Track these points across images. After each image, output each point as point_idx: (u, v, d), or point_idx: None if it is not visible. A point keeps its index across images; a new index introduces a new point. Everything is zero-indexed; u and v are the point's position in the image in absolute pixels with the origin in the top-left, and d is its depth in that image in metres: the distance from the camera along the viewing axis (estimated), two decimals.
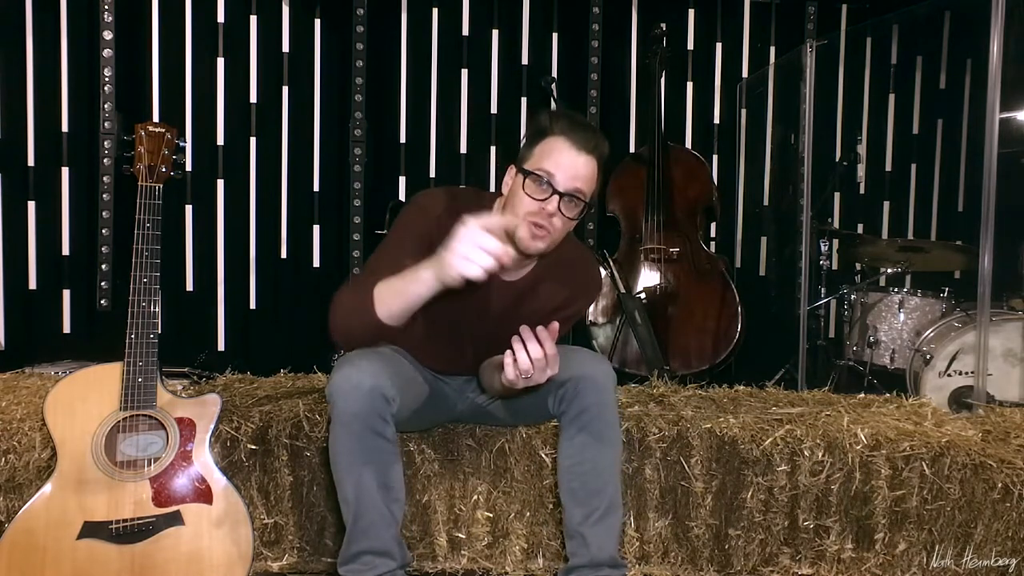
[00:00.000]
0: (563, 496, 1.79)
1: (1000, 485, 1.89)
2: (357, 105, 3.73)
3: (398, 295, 1.56)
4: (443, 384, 1.92)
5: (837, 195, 4.08)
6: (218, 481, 1.77)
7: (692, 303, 3.47)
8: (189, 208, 3.67)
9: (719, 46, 4.05)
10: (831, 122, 4.10)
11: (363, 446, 1.64)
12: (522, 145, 1.76)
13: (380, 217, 3.47)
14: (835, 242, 3.67)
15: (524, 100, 3.89)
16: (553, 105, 3.72)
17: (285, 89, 3.74)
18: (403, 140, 3.84)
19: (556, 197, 1.66)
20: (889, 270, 3.43)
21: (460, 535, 1.99)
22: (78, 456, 1.70)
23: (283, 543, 2.00)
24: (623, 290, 3.33)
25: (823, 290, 3.55)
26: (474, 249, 1.41)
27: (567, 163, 1.67)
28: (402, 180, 3.85)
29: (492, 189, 3.36)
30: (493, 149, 3.90)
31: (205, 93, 3.66)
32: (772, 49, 4.04)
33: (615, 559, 1.77)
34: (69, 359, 3.01)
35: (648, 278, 3.47)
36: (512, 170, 1.75)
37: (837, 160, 4.01)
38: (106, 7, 3.51)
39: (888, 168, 4.18)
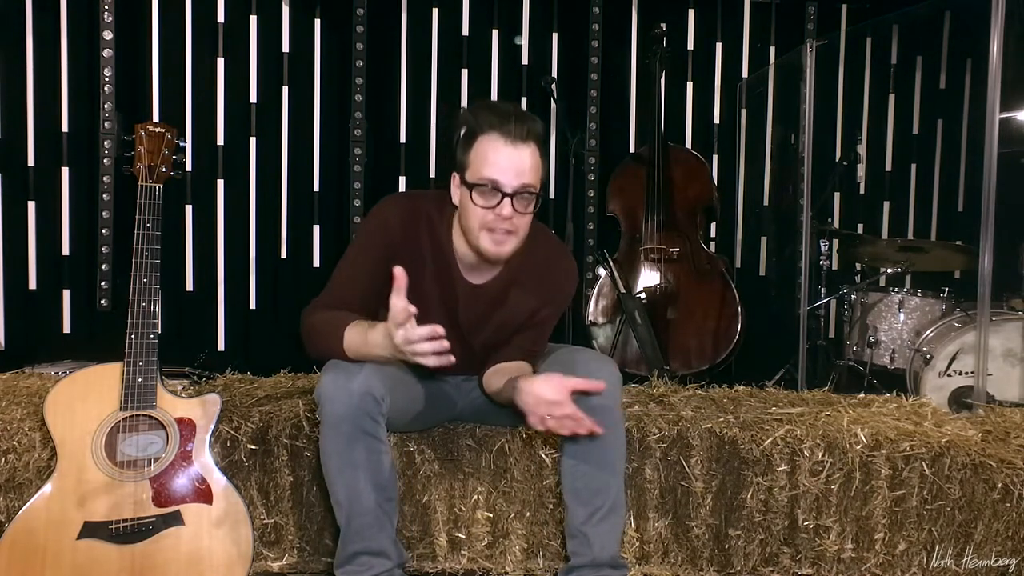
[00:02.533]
0: (566, 495, 1.79)
1: (1000, 485, 1.89)
2: (357, 105, 3.73)
3: (364, 354, 1.63)
4: (442, 382, 1.92)
5: (837, 195, 4.08)
6: (218, 481, 1.77)
7: (692, 303, 3.47)
8: (189, 208, 3.67)
9: (719, 46, 4.05)
10: (831, 122, 4.10)
11: (353, 447, 1.64)
12: (457, 149, 1.71)
13: None
14: (835, 242, 3.67)
15: (524, 100, 3.89)
16: (553, 105, 3.72)
17: (285, 89, 3.74)
18: (403, 140, 3.84)
19: (507, 199, 1.63)
20: (889, 270, 3.43)
21: (460, 535, 1.99)
22: (78, 456, 1.70)
23: (283, 543, 2.00)
24: (623, 290, 3.33)
25: (823, 290, 3.54)
26: (415, 352, 1.51)
27: (507, 163, 1.63)
28: (402, 180, 3.85)
29: None
30: None
31: (205, 93, 3.66)
32: (772, 49, 4.04)
33: (617, 559, 1.76)
34: (69, 359, 3.00)
35: (648, 278, 3.47)
36: (456, 179, 1.71)
37: (837, 160, 4.01)
38: (106, 7, 3.51)
39: (888, 168, 4.18)
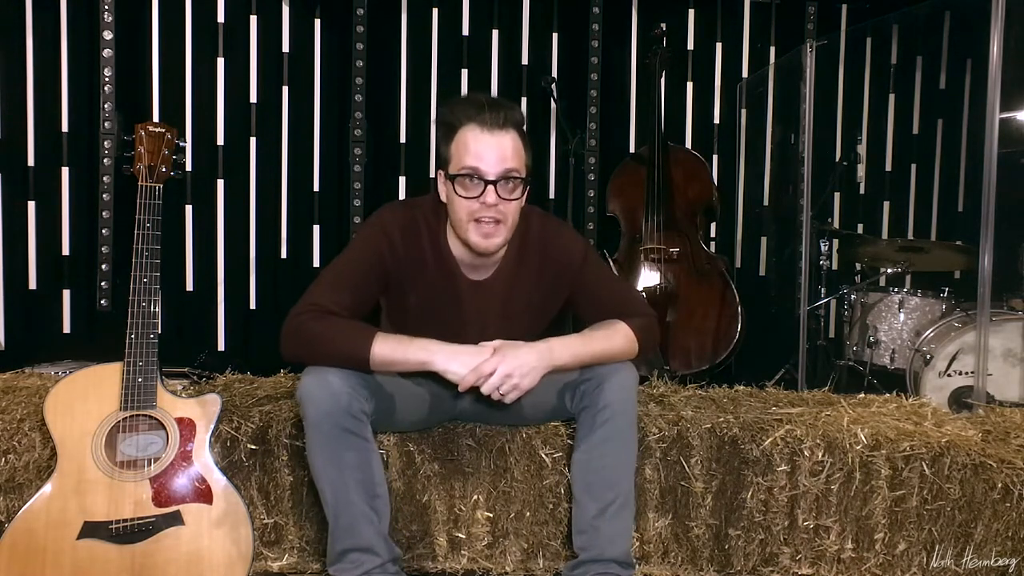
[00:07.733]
0: (576, 490, 1.78)
1: (1000, 485, 1.89)
2: (357, 105, 3.73)
3: (401, 360, 1.66)
4: (443, 382, 1.91)
5: (837, 195, 4.08)
6: (218, 481, 1.77)
7: (692, 303, 3.47)
8: (189, 208, 3.67)
9: (719, 46, 4.05)
10: (831, 122, 4.11)
11: (337, 446, 1.64)
12: (439, 146, 1.74)
13: None
14: (835, 242, 3.67)
15: (524, 100, 3.89)
16: (553, 105, 3.72)
17: (285, 89, 3.74)
18: (403, 140, 3.84)
19: (491, 187, 1.64)
20: (889, 270, 3.43)
21: (460, 535, 1.99)
22: (78, 456, 1.70)
23: (283, 543, 2.00)
24: None
25: (823, 290, 3.55)
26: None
27: (486, 150, 1.64)
28: (402, 180, 3.85)
29: None
30: None
31: (205, 93, 3.66)
32: (772, 49, 4.05)
33: (626, 556, 1.76)
34: (69, 359, 3.00)
35: (648, 278, 3.47)
36: (441, 176, 1.74)
37: (837, 160, 4.01)
38: (106, 7, 3.51)
39: (888, 168, 4.18)
